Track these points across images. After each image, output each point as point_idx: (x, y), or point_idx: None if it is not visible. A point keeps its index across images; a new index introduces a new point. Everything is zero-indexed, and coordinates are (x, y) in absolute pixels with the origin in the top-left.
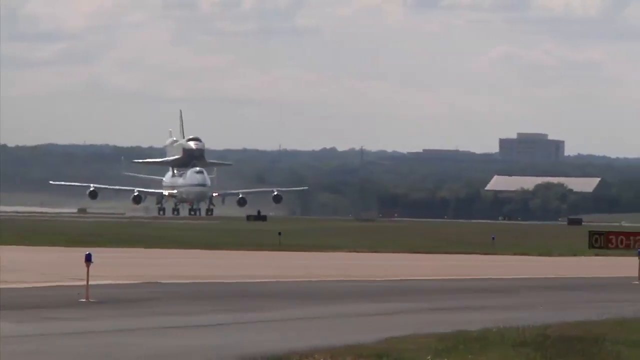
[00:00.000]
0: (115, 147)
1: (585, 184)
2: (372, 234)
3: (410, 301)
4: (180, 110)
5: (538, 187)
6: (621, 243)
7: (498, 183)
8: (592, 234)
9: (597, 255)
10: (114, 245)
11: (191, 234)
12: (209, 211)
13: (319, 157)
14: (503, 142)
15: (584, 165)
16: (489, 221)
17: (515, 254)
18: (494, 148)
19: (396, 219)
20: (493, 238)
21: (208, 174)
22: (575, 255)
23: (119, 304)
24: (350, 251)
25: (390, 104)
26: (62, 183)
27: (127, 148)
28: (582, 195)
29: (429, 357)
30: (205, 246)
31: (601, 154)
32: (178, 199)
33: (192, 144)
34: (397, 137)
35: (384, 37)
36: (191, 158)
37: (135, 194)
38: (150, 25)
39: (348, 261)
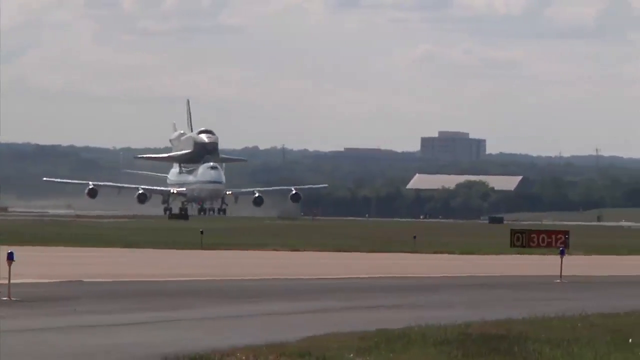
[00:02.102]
0: (37, 146)
1: (507, 182)
2: (293, 233)
3: (332, 300)
4: (188, 100)
5: (459, 186)
6: (543, 242)
7: (419, 181)
8: (513, 232)
9: (519, 253)
10: (35, 243)
11: (113, 232)
12: (222, 211)
13: (241, 155)
14: (424, 141)
15: (505, 164)
16: (410, 220)
17: (436, 252)
18: (415, 147)
19: (318, 217)
20: (414, 237)
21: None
22: (497, 253)
23: (41, 303)
24: (271, 250)
25: (311, 102)
26: (57, 180)
27: (49, 147)
28: (504, 193)
29: (351, 356)
30: (126, 245)
31: (522, 153)
32: (188, 198)
33: (204, 137)
34: (318, 136)
35: (306, 36)
36: (203, 153)
37: (140, 192)
38: (73, 24)
39: (269, 260)
